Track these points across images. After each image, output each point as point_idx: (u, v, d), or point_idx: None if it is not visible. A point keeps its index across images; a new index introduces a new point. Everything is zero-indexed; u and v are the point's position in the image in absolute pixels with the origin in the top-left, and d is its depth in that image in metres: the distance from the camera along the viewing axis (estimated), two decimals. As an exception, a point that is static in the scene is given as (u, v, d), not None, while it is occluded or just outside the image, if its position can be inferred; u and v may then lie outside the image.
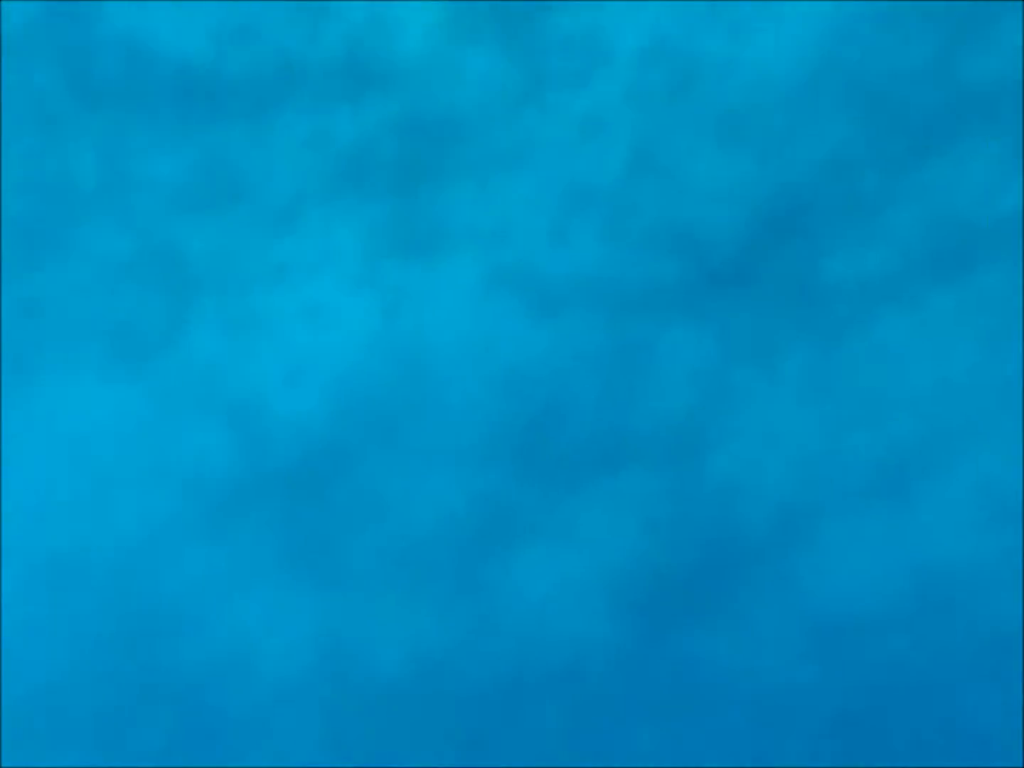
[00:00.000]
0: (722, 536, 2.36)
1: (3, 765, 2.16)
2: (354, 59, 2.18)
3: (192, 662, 2.21)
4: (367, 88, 2.19)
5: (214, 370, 2.18)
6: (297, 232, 2.22)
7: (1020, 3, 2.00)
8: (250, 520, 2.25)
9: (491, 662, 2.35)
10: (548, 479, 2.32)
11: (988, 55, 2.13)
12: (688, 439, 2.34)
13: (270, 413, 2.23)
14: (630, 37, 2.17)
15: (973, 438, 2.32)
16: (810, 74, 2.09)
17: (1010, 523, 2.31)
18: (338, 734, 2.28)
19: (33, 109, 2.03)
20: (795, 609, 2.35)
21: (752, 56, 2.12)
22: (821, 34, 2.07)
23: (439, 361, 2.30)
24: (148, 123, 2.11)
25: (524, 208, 2.27)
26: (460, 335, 2.30)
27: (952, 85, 2.15)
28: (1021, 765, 2.24)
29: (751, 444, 2.34)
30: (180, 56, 2.11)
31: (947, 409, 2.32)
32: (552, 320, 2.31)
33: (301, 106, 2.18)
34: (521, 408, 2.31)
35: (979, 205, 2.22)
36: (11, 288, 2.10)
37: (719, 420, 2.33)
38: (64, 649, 2.16)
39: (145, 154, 2.11)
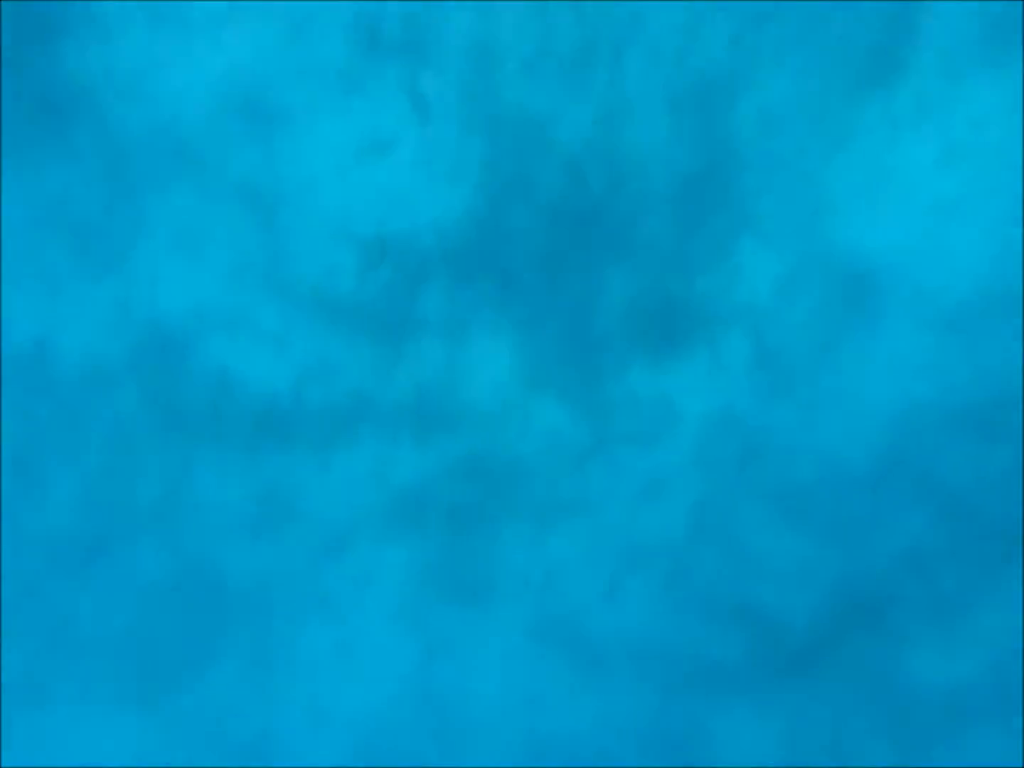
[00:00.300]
0: None
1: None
2: (424, 401, 2.22)
3: None
4: (433, 430, 2.21)
5: (232, 708, 2.12)
6: (344, 564, 2.20)
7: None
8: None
9: None
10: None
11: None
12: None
13: (286, 758, 2.12)
14: (698, 403, 2.14)
15: None
16: (879, 464, 1.99)
17: None
18: None
19: (113, 431, 2.14)
20: None
21: (820, 437, 2.04)
22: (888, 427, 1.98)
23: (474, 714, 2.16)
24: (220, 450, 2.19)
25: (579, 562, 2.19)
26: (499, 688, 2.17)
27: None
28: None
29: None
30: (262, 389, 2.21)
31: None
32: (599, 683, 2.16)
33: (367, 442, 2.22)
34: (556, 779, 2.12)
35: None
36: (46, 598, 2.14)
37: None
38: None
39: (209, 479, 2.17)
